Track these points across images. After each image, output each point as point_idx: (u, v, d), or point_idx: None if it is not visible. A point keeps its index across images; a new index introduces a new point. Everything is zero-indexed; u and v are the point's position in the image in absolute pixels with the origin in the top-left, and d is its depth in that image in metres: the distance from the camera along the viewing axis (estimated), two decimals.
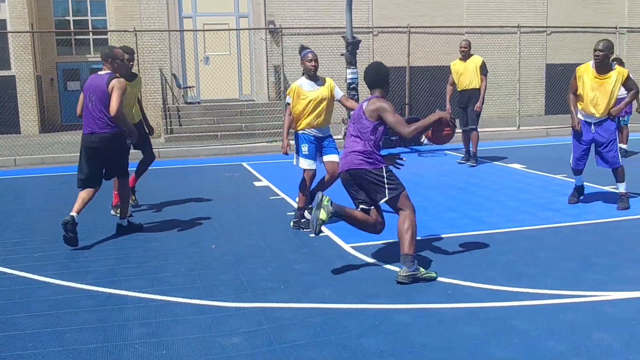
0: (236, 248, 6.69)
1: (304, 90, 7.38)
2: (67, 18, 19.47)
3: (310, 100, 7.34)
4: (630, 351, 4.08)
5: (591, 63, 7.91)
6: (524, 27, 18.91)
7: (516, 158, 12.82)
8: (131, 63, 8.24)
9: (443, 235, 7.03)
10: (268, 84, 18.26)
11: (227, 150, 14.64)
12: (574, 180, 8.64)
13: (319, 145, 7.54)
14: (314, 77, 7.46)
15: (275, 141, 15.37)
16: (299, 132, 7.48)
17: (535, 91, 20.79)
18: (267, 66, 18.19)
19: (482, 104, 11.74)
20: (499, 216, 7.88)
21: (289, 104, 7.50)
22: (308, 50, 7.50)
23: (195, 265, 6.13)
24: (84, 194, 6.99)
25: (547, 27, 20.68)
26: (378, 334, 4.40)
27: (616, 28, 19.74)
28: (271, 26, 17.93)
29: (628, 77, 7.80)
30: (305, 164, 7.52)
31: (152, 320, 4.77)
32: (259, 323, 4.65)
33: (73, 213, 6.75)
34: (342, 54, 14.24)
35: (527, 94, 20.23)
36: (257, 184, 10.55)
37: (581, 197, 8.56)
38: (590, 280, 5.46)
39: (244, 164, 12.84)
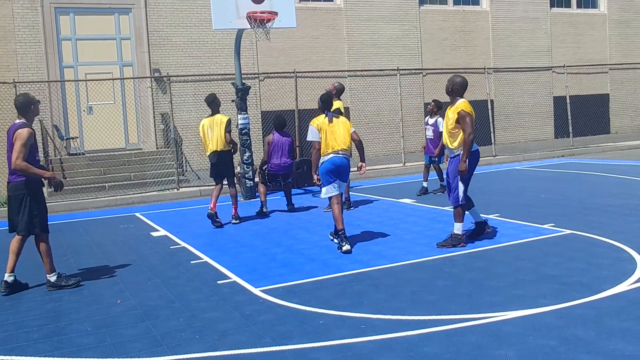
0: (143, 301, 6.60)
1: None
2: None
3: None
4: None
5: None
6: (402, 69, 19.76)
7: (405, 193, 13.33)
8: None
9: (347, 272, 7.22)
10: (155, 132, 18.10)
11: (117, 201, 14.33)
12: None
13: None
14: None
15: (168, 189, 15.22)
16: None
17: (416, 129, 21.60)
18: (154, 114, 18.04)
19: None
20: (397, 249, 8.20)
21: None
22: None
23: (101, 322, 5.99)
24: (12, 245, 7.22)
25: (422, 69, 21.72)
26: None
27: (484, 68, 20.96)
28: (157, 74, 17.85)
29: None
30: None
31: None
32: None
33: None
34: (232, 100, 14.39)
35: (410, 132, 21.01)
36: (154, 234, 10.40)
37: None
38: (486, 303, 5.86)
39: (138, 214, 12.63)
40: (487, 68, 21.54)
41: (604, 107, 25.81)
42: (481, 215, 8.68)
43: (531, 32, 24.14)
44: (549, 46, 24.47)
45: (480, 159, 8.33)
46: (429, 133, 12.87)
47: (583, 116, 24.36)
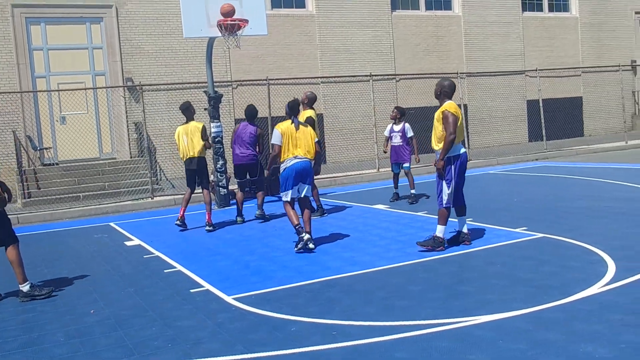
0: (117, 310, 6.60)
1: None
2: None
3: None
4: None
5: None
6: (375, 75, 19.89)
7: (379, 199, 13.41)
8: None
9: (319, 279, 7.25)
10: (129, 141, 18.04)
11: (91, 211, 14.27)
12: (434, 216, 9.13)
13: None
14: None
15: (142, 199, 15.17)
16: None
17: None
18: (128, 123, 17.99)
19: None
20: (370, 255, 8.25)
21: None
22: None
23: (75, 332, 5.99)
24: None
25: (395, 74, 21.86)
26: None
27: (457, 73, 21.13)
28: (129, 83, 17.81)
29: None
30: None
31: None
32: None
33: None
34: (205, 109, 14.39)
35: (383, 137, 21.07)
36: (128, 243, 10.38)
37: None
38: (458, 307, 5.91)
39: (112, 224, 12.58)
40: (460, 73, 21.73)
41: (577, 110, 26.01)
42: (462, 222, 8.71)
43: (503, 36, 24.31)
44: (521, 50, 24.66)
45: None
46: (396, 140, 12.71)
47: (557, 119, 24.57)
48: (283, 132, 8.83)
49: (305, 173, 8.83)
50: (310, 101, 11.58)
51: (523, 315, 5.57)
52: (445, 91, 8.20)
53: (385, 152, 13.47)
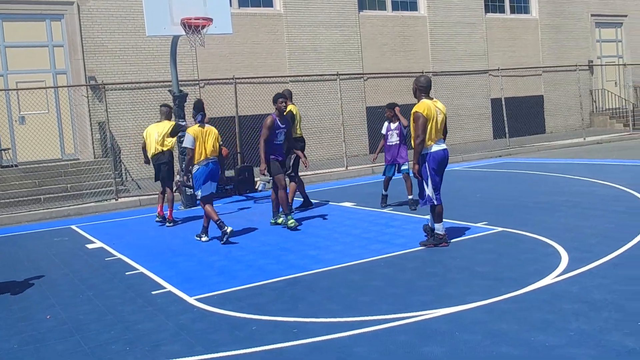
0: (74, 315, 6.44)
1: None
2: None
3: None
4: (454, 358, 4.61)
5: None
6: (342, 74, 19.87)
7: (346, 196, 13.39)
8: None
9: (283, 277, 7.20)
10: (93, 142, 17.75)
11: (52, 214, 13.98)
12: (402, 213, 9.13)
13: None
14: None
15: (106, 200, 14.92)
16: None
17: (358, 132, 21.79)
18: (91, 123, 17.69)
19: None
20: (335, 253, 8.23)
21: None
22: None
23: (29, 339, 5.82)
24: None
25: (363, 73, 21.89)
26: None
27: (423, 72, 21.22)
28: (92, 82, 17.52)
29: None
30: None
31: None
32: None
33: None
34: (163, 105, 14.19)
35: (352, 135, 21.18)
36: (90, 246, 10.17)
37: None
38: (417, 302, 5.96)
39: (74, 226, 12.32)
40: (426, 72, 21.94)
41: (538, 108, 26.60)
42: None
43: (468, 36, 24.63)
44: (485, 50, 25.02)
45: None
46: (393, 139, 11.35)
47: (519, 117, 25.05)
48: (195, 135, 9.55)
49: (215, 173, 9.71)
50: (289, 97, 11.55)
51: (480, 307, 5.67)
52: (422, 87, 8.15)
53: (374, 160, 12.18)
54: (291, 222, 9.95)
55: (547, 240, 8.02)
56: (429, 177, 8.03)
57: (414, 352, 4.76)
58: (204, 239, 9.72)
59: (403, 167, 11.26)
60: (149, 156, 11.58)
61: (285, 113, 10.34)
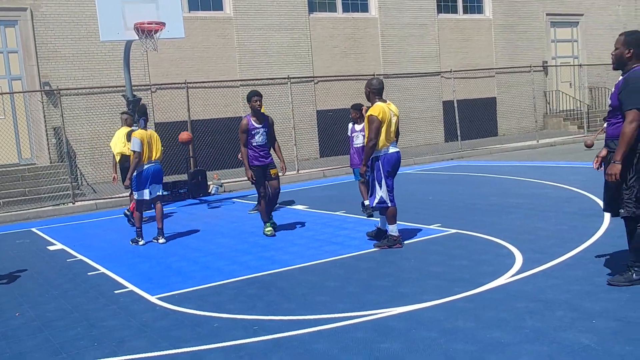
0: (41, 313, 6.74)
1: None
2: None
3: None
4: (412, 354, 4.87)
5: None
6: (293, 77, 20.18)
7: (299, 199, 13.74)
8: None
9: (240, 277, 7.53)
10: (49, 146, 17.83)
11: (12, 218, 14.10)
12: (354, 216, 9.44)
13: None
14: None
15: (64, 204, 15.08)
16: None
17: (309, 136, 22.09)
18: (46, 128, 17.78)
19: None
20: (289, 254, 8.58)
21: None
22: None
23: (0, 335, 6.10)
24: None
25: (313, 77, 22.15)
26: None
27: (374, 75, 21.59)
28: (47, 88, 17.60)
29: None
30: None
31: None
32: None
33: None
34: (123, 112, 14.39)
35: (303, 139, 21.45)
36: (51, 248, 10.42)
37: None
38: (373, 301, 6.27)
39: (34, 229, 12.51)
40: (377, 74, 22.14)
41: (491, 110, 26.65)
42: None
43: (419, 38, 24.68)
44: (437, 51, 25.07)
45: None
46: (358, 141, 10.90)
47: (472, 119, 25.13)
48: (142, 138, 9.86)
49: (157, 174, 10.10)
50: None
51: (435, 306, 5.93)
52: (375, 89, 8.32)
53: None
54: (267, 230, 9.92)
55: (501, 241, 8.26)
56: (383, 179, 8.26)
57: (372, 348, 5.03)
58: (161, 241, 10.06)
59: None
60: (117, 160, 12.03)
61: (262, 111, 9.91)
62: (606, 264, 6.81)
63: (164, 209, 10.88)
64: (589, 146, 19.80)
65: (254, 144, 9.84)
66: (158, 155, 10.14)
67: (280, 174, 10.23)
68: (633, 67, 5.90)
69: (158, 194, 10.19)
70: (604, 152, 6.24)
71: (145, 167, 9.92)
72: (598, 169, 6.36)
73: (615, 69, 6.14)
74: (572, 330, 5.08)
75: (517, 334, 5.09)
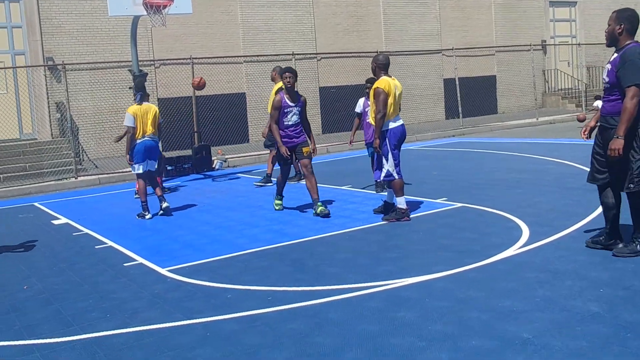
0: (50, 285, 6.66)
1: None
2: None
3: None
4: (427, 322, 4.88)
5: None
6: (297, 54, 20.08)
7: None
8: None
9: (250, 250, 7.49)
10: (50, 122, 17.73)
11: (13, 192, 14.01)
12: (362, 190, 9.39)
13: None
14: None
15: (66, 178, 15.01)
16: None
17: (311, 112, 21.98)
18: (49, 103, 17.66)
19: None
20: (298, 227, 8.54)
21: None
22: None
23: (9, 307, 6.03)
24: None
25: (317, 53, 22.09)
26: (212, 344, 4.76)
27: (376, 52, 21.52)
28: (50, 63, 17.46)
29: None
30: None
31: None
32: (93, 352, 4.78)
33: None
34: (130, 87, 14.29)
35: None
36: (55, 222, 10.33)
37: None
38: (384, 272, 6.26)
39: (36, 204, 12.41)
40: (380, 52, 22.13)
41: (491, 88, 26.88)
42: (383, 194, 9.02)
43: (421, 16, 24.79)
44: (438, 30, 25.25)
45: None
46: None
47: (472, 97, 25.29)
48: (135, 114, 9.91)
49: (153, 150, 10.10)
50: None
51: (446, 277, 5.96)
52: (381, 64, 8.42)
53: (351, 144, 11.78)
54: (277, 204, 9.82)
55: (507, 215, 8.31)
56: (389, 152, 8.33)
57: (387, 316, 5.04)
58: (164, 205, 10.13)
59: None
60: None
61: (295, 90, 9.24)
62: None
63: (163, 183, 10.79)
64: (581, 120, 19.90)
65: (286, 123, 9.15)
66: (152, 130, 10.07)
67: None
68: (627, 44, 5.96)
69: (151, 169, 10.18)
70: (592, 122, 6.43)
71: (139, 141, 9.93)
72: (587, 139, 6.51)
73: (608, 45, 6.18)
74: (581, 298, 5.16)
75: (529, 302, 5.14)
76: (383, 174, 8.44)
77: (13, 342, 5.13)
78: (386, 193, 9.09)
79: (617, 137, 5.82)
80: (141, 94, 10.25)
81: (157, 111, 10.31)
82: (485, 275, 5.92)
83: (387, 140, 8.33)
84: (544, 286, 5.49)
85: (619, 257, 6.12)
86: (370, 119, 8.61)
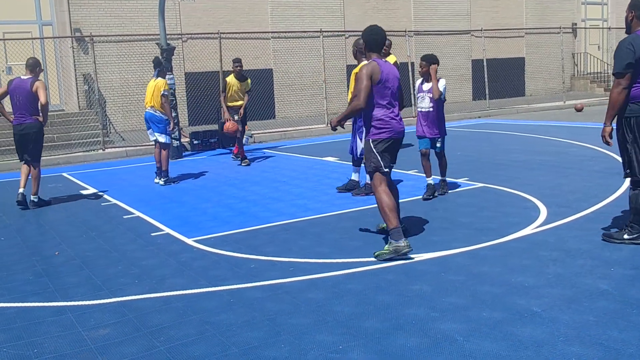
0: (81, 252, 6.87)
1: None
2: None
3: None
4: (441, 295, 5.05)
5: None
6: (325, 31, 20.10)
7: (328, 152, 13.83)
8: None
9: (275, 223, 7.66)
10: (78, 93, 17.96)
11: (43, 162, 14.19)
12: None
13: None
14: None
15: (94, 150, 15.27)
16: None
17: (338, 90, 22.08)
18: (76, 75, 17.88)
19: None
20: (321, 202, 8.69)
21: None
22: None
23: (42, 271, 6.25)
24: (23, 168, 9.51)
25: (345, 31, 22.08)
26: (236, 309, 4.94)
27: (405, 31, 21.50)
28: (78, 34, 17.66)
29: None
30: None
31: (13, 325, 4.89)
32: (122, 314, 4.98)
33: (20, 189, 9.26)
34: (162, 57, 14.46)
35: (332, 93, 21.45)
36: (84, 192, 10.58)
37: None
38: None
39: (65, 174, 12.70)
40: (408, 31, 22.07)
41: (519, 70, 26.69)
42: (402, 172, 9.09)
43: None
44: (468, 10, 25.05)
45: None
46: (425, 104, 8.77)
47: (500, 79, 25.20)
48: (148, 87, 10.90)
49: (154, 120, 10.82)
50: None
51: (463, 253, 6.11)
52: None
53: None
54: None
55: (526, 195, 8.44)
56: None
57: (404, 288, 5.20)
58: (158, 181, 10.99)
59: (438, 144, 8.96)
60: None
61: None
62: (626, 220, 6.85)
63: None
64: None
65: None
66: (151, 103, 10.81)
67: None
68: (637, 31, 6.09)
69: (154, 139, 10.99)
70: None
71: (145, 112, 11.01)
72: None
73: (626, 32, 6.31)
74: (591, 276, 5.29)
75: (540, 278, 5.29)
76: (359, 152, 8.61)
77: (47, 303, 5.34)
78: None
79: (604, 125, 6.03)
80: (158, 70, 11.03)
81: (160, 85, 10.77)
82: (501, 253, 6.06)
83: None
84: (557, 264, 5.63)
85: (607, 241, 6.17)
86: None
